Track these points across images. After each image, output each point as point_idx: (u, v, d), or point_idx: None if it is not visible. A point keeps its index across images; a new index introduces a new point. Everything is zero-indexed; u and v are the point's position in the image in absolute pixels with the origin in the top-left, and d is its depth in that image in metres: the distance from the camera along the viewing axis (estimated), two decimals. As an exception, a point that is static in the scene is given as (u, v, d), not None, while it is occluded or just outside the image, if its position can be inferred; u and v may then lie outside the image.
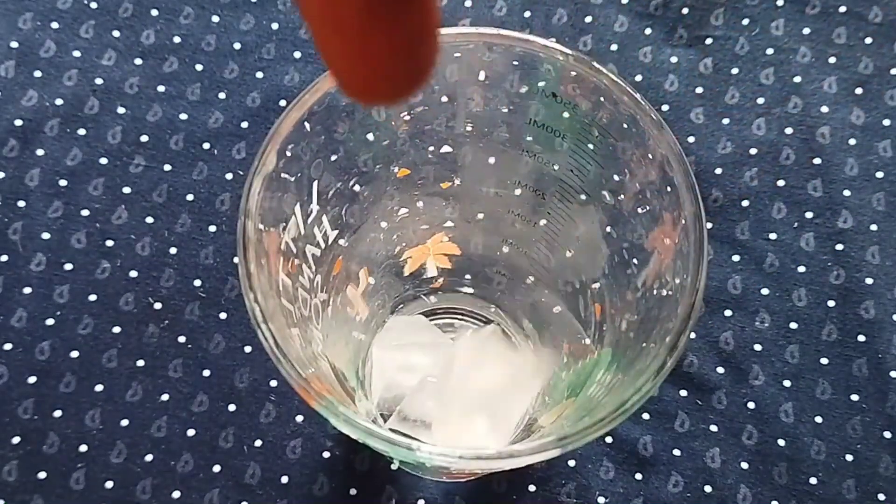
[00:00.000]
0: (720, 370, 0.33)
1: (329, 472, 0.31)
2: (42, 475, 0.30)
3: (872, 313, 0.33)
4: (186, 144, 0.35)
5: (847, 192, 0.35)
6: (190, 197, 0.34)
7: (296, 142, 0.21)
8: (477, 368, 0.29)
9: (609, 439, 0.32)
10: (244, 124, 0.35)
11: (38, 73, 0.35)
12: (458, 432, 0.29)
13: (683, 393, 0.32)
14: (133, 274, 0.33)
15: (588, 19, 0.37)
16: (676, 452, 0.32)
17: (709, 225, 0.35)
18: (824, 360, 0.33)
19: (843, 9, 0.37)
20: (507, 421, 0.29)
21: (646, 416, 0.32)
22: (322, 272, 0.26)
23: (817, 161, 0.35)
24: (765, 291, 0.34)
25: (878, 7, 0.37)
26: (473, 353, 0.30)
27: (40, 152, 0.34)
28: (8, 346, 0.32)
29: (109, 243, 0.33)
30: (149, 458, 0.31)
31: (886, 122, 0.36)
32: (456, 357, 0.29)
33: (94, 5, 0.37)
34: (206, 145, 0.35)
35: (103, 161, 0.35)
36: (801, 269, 0.34)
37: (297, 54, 0.37)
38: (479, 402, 0.29)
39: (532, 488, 0.31)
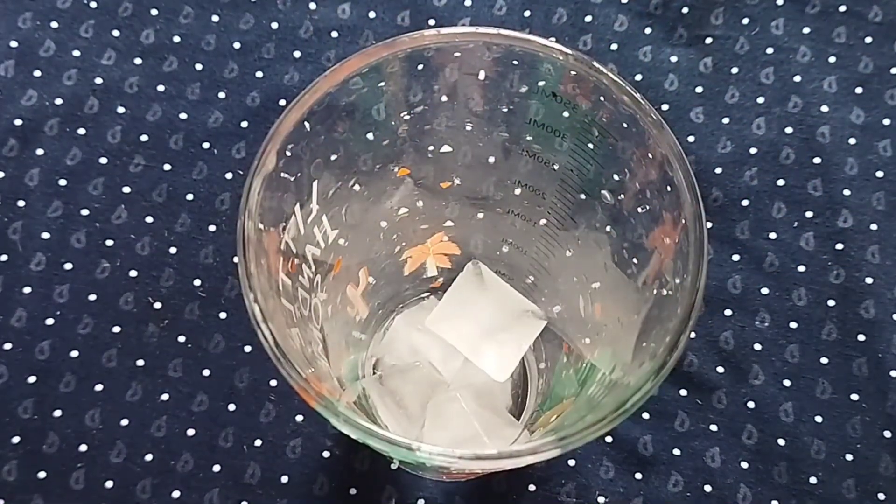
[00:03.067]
0: (720, 370, 0.33)
1: (329, 472, 0.31)
2: (42, 475, 0.30)
3: (872, 313, 0.33)
4: (186, 144, 0.35)
5: (847, 192, 0.35)
6: (190, 196, 0.34)
7: (296, 142, 0.21)
8: (476, 300, 0.30)
9: (609, 439, 0.32)
10: (244, 124, 0.35)
11: (37, 73, 0.35)
12: (466, 361, 0.29)
13: (683, 393, 0.32)
14: (133, 274, 0.33)
15: (588, 19, 0.37)
16: (676, 452, 0.32)
17: (709, 225, 0.35)
18: (824, 360, 0.33)
19: (843, 8, 0.37)
20: (514, 351, 0.29)
21: (646, 415, 0.32)
22: (322, 272, 0.26)
23: (817, 160, 0.35)
24: (765, 291, 0.34)
25: (878, 6, 0.37)
26: (471, 286, 0.30)
27: (40, 152, 0.34)
28: (8, 346, 0.32)
29: (109, 243, 0.33)
30: (149, 457, 0.31)
31: (886, 122, 0.36)
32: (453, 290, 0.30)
33: (93, 5, 0.37)
34: (206, 145, 0.35)
35: (103, 161, 0.34)
36: (801, 268, 0.34)
37: (297, 54, 0.37)
38: (482, 331, 0.29)
39: (532, 488, 0.31)
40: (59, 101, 0.35)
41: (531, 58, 0.22)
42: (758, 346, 0.33)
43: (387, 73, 0.22)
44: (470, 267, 0.30)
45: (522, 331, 0.30)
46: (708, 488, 0.31)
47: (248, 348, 0.32)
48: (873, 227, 0.34)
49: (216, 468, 0.31)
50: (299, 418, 0.31)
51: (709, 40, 0.37)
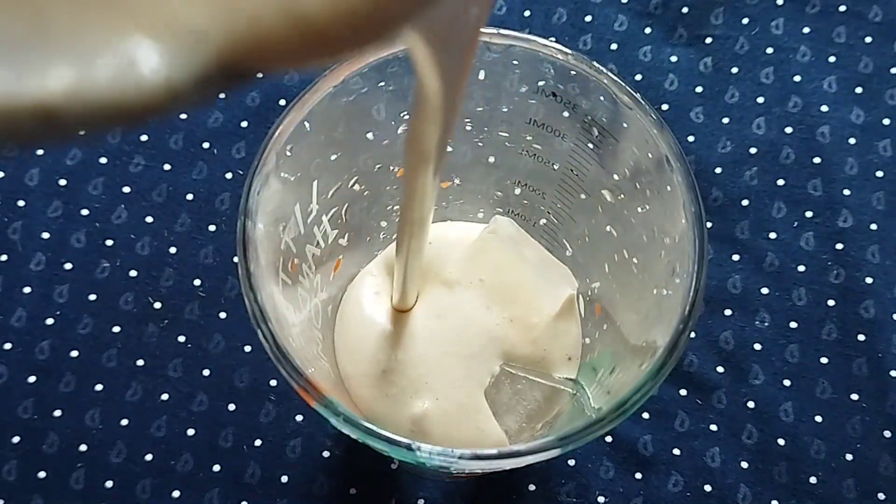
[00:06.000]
0: (720, 370, 0.33)
1: (329, 472, 0.31)
2: (42, 475, 0.30)
3: (872, 313, 0.33)
4: (186, 144, 0.35)
5: (847, 192, 0.35)
6: (190, 196, 0.34)
7: (296, 142, 0.21)
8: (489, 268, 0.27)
9: (609, 439, 0.32)
10: (244, 124, 0.35)
11: (37, 73, 0.35)
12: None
13: (683, 393, 0.32)
14: (133, 273, 0.33)
15: (588, 18, 0.37)
16: (676, 452, 0.32)
17: (709, 224, 0.35)
18: (824, 360, 0.33)
19: (843, 8, 0.37)
20: (538, 314, 0.27)
21: (646, 415, 0.32)
22: (322, 272, 0.26)
23: (817, 160, 0.35)
24: (765, 291, 0.34)
25: (878, 6, 0.37)
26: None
27: (40, 151, 0.34)
28: (8, 346, 0.32)
29: (109, 243, 0.33)
30: (149, 457, 0.31)
31: (886, 122, 0.36)
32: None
33: (93, 5, 0.37)
34: (206, 144, 0.35)
35: (103, 160, 0.34)
36: (801, 268, 0.34)
37: (297, 54, 0.36)
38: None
39: (532, 488, 0.31)
40: (58, 101, 0.35)
41: (531, 58, 0.22)
42: (758, 346, 0.33)
43: (387, 73, 0.22)
44: (503, 221, 0.28)
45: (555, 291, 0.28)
46: (708, 488, 0.31)
47: (248, 348, 0.32)
48: (873, 227, 0.34)
49: (216, 468, 0.31)
50: (299, 418, 0.31)
51: (709, 40, 0.37)
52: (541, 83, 0.23)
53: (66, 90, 0.08)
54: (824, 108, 0.36)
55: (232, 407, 0.32)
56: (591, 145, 0.24)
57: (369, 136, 0.24)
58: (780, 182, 0.35)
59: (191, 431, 0.31)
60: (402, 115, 0.24)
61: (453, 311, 0.27)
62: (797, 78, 0.36)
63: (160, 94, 0.08)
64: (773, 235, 0.34)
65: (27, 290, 0.33)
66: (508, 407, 0.26)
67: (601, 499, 0.31)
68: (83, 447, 0.31)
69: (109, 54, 0.08)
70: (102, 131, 0.08)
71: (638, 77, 0.36)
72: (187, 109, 0.08)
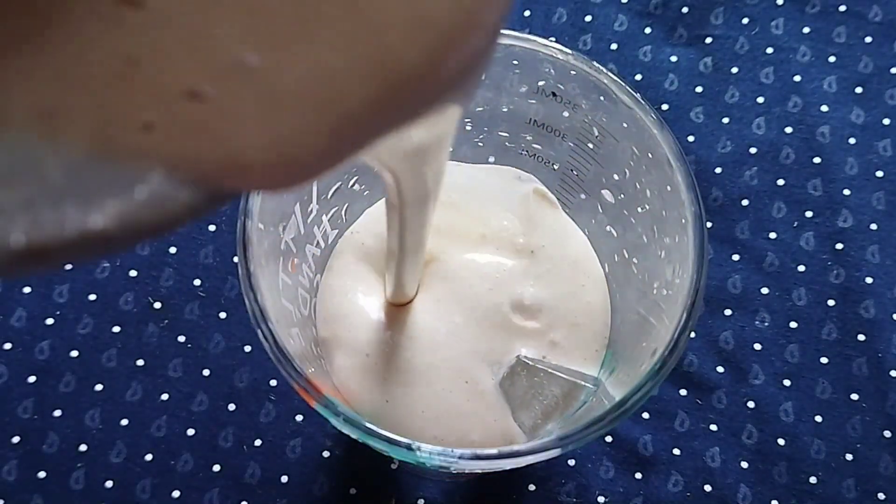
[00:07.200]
0: (720, 370, 0.33)
1: (329, 472, 0.31)
2: (42, 475, 0.30)
3: (872, 313, 0.33)
4: (186, 144, 0.35)
5: (847, 192, 0.35)
6: (190, 196, 0.34)
7: (296, 141, 0.21)
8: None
9: (609, 439, 0.32)
10: (244, 124, 0.35)
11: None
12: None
13: (683, 392, 0.32)
14: (133, 273, 0.33)
15: (588, 18, 0.37)
16: (676, 452, 0.32)
17: (709, 224, 0.35)
18: (824, 360, 0.33)
19: (843, 8, 0.37)
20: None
21: (646, 415, 0.32)
22: (322, 272, 0.26)
23: (817, 160, 0.35)
24: (765, 291, 0.34)
25: (878, 6, 0.37)
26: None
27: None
28: (8, 346, 0.32)
29: (109, 243, 0.33)
30: (149, 457, 0.31)
31: (886, 122, 0.36)
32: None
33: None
34: (206, 145, 0.35)
35: (103, 160, 0.34)
36: (801, 268, 0.34)
37: (297, 54, 0.36)
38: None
39: (532, 488, 0.31)
40: (58, 101, 0.35)
41: (531, 58, 0.22)
42: (758, 346, 0.33)
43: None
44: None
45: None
46: (708, 488, 0.31)
47: (248, 348, 0.32)
48: (873, 226, 0.34)
49: (216, 468, 0.31)
50: (299, 418, 0.31)
51: (709, 40, 0.37)
52: (541, 83, 0.23)
53: (117, 217, 0.10)
54: (824, 108, 0.36)
55: (232, 407, 0.32)
56: (591, 145, 0.24)
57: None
58: (780, 182, 0.35)
59: (191, 431, 0.31)
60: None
61: (434, 275, 0.26)
62: (797, 78, 0.36)
63: (181, 211, 0.10)
64: (773, 235, 0.34)
65: (27, 290, 0.33)
66: (524, 401, 0.25)
67: (601, 499, 0.31)
68: (83, 447, 0.31)
69: (144, 186, 0.10)
70: (136, 245, 0.10)
71: (638, 77, 0.36)
72: (202, 218, 0.10)
